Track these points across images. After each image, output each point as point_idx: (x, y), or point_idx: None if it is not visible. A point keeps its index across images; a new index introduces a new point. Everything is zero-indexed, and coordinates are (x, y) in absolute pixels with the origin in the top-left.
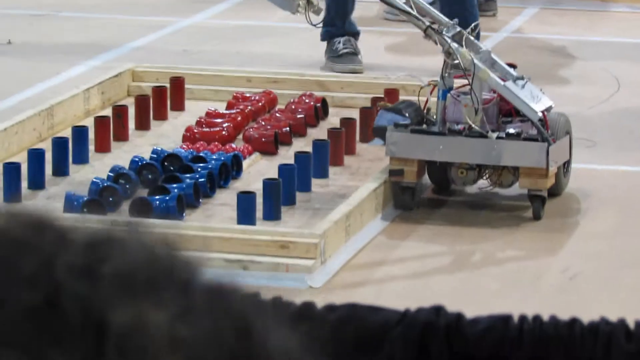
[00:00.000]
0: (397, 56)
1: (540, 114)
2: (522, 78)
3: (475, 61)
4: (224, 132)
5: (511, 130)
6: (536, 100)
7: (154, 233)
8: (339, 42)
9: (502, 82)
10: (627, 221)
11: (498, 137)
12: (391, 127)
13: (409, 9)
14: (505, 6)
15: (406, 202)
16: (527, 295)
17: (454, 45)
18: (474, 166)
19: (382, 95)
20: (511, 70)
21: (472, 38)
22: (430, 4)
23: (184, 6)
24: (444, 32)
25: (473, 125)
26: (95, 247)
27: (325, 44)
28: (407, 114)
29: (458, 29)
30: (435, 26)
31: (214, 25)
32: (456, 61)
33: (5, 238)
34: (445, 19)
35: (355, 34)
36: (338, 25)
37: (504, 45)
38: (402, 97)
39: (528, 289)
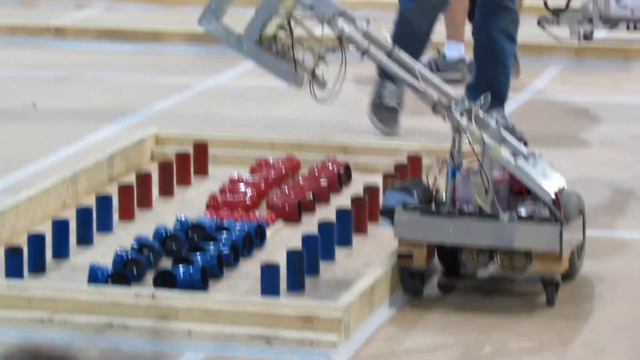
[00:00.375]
0: (415, 117)
1: (553, 196)
2: (533, 155)
3: (486, 139)
4: (247, 201)
5: (523, 213)
6: (548, 179)
7: None
8: (387, 89)
9: (513, 161)
10: None
11: (510, 220)
12: (399, 209)
13: (415, 84)
14: (527, 66)
15: (415, 288)
16: None
17: (464, 122)
18: (485, 249)
19: (405, 162)
20: (522, 147)
21: (482, 114)
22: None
23: (206, 66)
24: (452, 108)
25: (484, 207)
26: None
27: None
28: (415, 194)
29: (467, 103)
30: (444, 101)
31: (237, 86)
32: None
33: None
34: (451, 93)
35: None
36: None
37: (527, 107)
38: (424, 160)
39: None
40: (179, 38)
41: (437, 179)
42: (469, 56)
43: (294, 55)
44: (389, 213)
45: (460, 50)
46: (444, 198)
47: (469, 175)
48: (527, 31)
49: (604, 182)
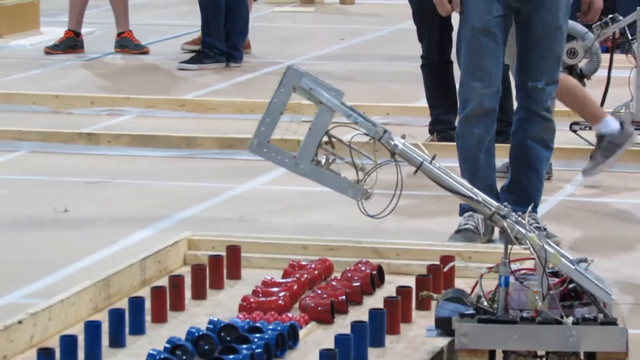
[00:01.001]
0: (445, 216)
1: (612, 296)
2: (585, 260)
3: (546, 246)
4: (280, 302)
5: (587, 315)
6: (601, 282)
7: None
8: (463, 217)
9: (572, 266)
10: None
11: (574, 323)
12: (457, 318)
13: (473, 195)
14: (559, 169)
15: None
16: None
17: (523, 231)
18: (534, 353)
19: (438, 263)
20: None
21: (526, 220)
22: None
23: (239, 171)
24: (509, 217)
25: (545, 311)
26: None
27: None
28: (468, 303)
29: (511, 211)
30: (501, 211)
31: (270, 191)
32: (525, 247)
33: None
34: (494, 202)
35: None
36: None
37: (560, 209)
38: (456, 264)
39: None
40: (211, 143)
41: (479, 285)
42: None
43: (356, 168)
44: (444, 323)
45: None
46: (489, 304)
47: (521, 281)
48: (559, 135)
49: (631, 282)
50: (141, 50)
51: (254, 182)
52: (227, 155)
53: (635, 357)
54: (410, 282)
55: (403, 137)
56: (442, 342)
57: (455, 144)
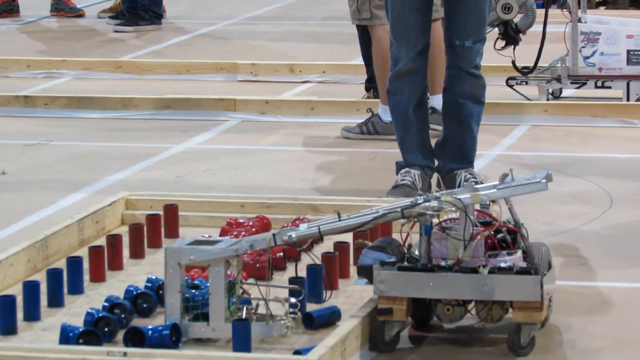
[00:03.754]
0: (382, 172)
1: (544, 181)
2: (506, 175)
3: (461, 197)
4: (255, 264)
5: (503, 264)
6: (531, 179)
7: None
8: (399, 173)
9: (495, 189)
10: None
11: (490, 272)
12: (377, 266)
13: (375, 214)
14: (496, 124)
15: (392, 341)
16: None
17: (435, 203)
18: (461, 302)
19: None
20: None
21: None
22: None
23: (174, 134)
24: (419, 206)
25: (464, 260)
26: None
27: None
28: (391, 252)
29: (427, 197)
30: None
31: (206, 151)
32: (447, 210)
33: None
34: (398, 203)
35: (425, 167)
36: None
37: (497, 163)
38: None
39: None
40: (148, 104)
41: (409, 237)
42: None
43: (267, 306)
44: (366, 271)
45: None
46: (418, 254)
47: (443, 231)
48: (496, 91)
49: (573, 235)
50: (77, 13)
51: (190, 142)
52: (164, 116)
53: (572, 307)
54: (348, 238)
55: (305, 220)
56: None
57: None
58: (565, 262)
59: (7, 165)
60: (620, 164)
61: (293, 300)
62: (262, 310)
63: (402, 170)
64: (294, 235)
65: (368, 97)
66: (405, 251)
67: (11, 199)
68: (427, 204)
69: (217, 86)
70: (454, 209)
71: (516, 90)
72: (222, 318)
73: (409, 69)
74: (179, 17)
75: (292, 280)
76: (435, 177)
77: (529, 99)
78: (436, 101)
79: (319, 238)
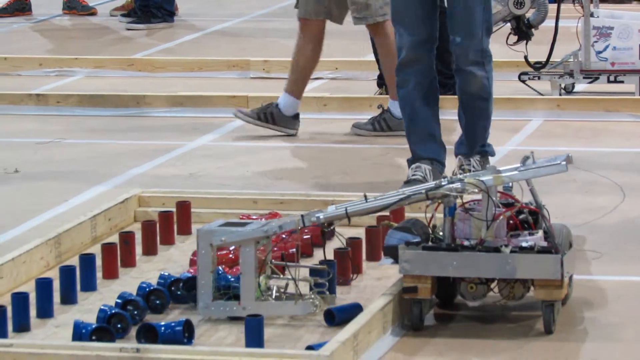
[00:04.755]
0: (393, 168)
1: (564, 163)
2: (527, 158)
3: (484, 178)
4: (230, 255)
5: (524, 244)
6: (552, 160)
7: None
8: (410, 168)
9: (517, 172)
10: (633, 335)
11: (512, 251)
12: (402, 246)
13: (401, 195)
14: (509, 119)
15: (419, 319)
16: None
17: (459, 185)
18: (484, 280)
19: (388, 214)
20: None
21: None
22: None
23: (187, 130)
24: (443, 187)
25: (486, 240)
26: None
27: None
28: (416, 232)
29: (449, 178)
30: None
31: (219, 147)
32: (472, 191)
33: None
34: (423, 186)
35: (433, 160)
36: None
37: (509, 158)
38: (407, 214)
39: None
40: (160, 102)
41: (433, 217)
42: None
43: (297, 286)
44: (392, 251)
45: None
46: (442, 234)
47: (467, 211)
48: (509, 86)
49: (586, 229)
50: (89, 11)
51: (203, 139)
52: (176, 113)
53: (588, 301)
54: (360, 233)
55: (332, 203)
56: (385, 300)
57: None
58: (579, 257)
59: (19, 164)
60: (632, 158)
61: (320, 280)
62: (291, 289)
63: (413, 166)
64: (322, 217)
65: (380, 94)
66: (430, 232)
67: (24, 197)
68: (451, 185)
69: (230, 83)
70: (476, 190)
71: (528, 86)
72: (253, 297)
73: (410, 58)
74: (191, 14)
75: (321, 262)
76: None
77: (542, 94)
78: (281, 98)
79: (346, 219)
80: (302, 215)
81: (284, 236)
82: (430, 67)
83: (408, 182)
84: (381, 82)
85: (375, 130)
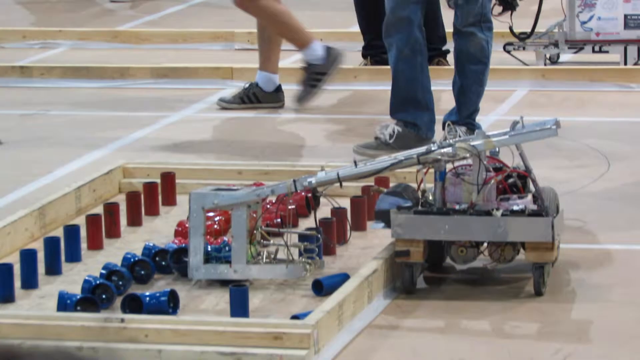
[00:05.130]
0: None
1: (554, 127)
2: (517, 123)
3: (474, 143)
4: (215, 226)
5: (515, 207)
6: (540, 125)
7: None
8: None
9: (507, 136)
10: (620, 296)
11: (503, 215)
12: (394, 210)
13: (393, 160)
14: (494, 89)
15: (411, 282)
16: None
17: (450, 150)
18: (474, 244)
19: (372, 184)
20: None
21: (459, 135)
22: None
23: (172, 102)
24: (433, 151)
25: (477, 204)
26: None
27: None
28: (407, 197)
29: (440, 142)
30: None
31: (203, 118)
32: (462, 156)
33: None
34: (414, 150)
35: (408, 123)
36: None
37: (495, 128)
38: (392, 183)
39: None
40: (145, 73)
41: (423, 182)
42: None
43: (288, 249)
44: (383, 215)
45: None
46: (433, 198)
47: (457, 176)
48: (494, 56)
49: (571, 198)
50: None
51: (187, 110)
52: (161, 85)
53: (574, 265)
54: (345, 203)
55: (322, 169)
56: (376, 264)
57: (387, 67)
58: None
59: (4, 135)
60: (617, 128)
61: (310, 246)
62: (280, 256)
63: (382, 124)
64: (313, 181)
65: (365, 64)
66: (420, 196)
67: (8, 168)
68: (442, 150)
69: (214, 55)
70: (467, 155)
71: (513, 56)
72: (244, 260)
73: (393, 21)
74: None
75: (318, 224)
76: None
77: (527, 64)
78: (259, 76)
79: (338, 184)
80: (294, 180)
81: (268, 206)
82: (414, 29)
83: (366, 142)
84: (366, 53)
85: (244, 103)
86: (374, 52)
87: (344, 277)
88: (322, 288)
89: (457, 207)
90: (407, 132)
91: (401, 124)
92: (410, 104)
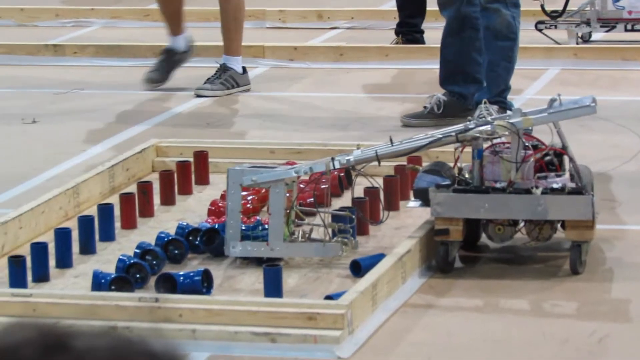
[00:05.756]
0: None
1: (594, 104)
2: (554, 100)
3: (513, 120)
4: (248, 205)
5: (555, 185)
6: (578, 102)
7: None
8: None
9: (545, 114)
10: None
11: (543, 193)
12: (433, 189)
13: (432, 138)
14: (526, 68)
15: (448, 261)
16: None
17: (489, 127)
18: (511, 222)
19: (405, 163)
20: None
21: (493, 113)
22: None
23: (203, 80)
24: (470, 129)
25: (515, 182)
26: None
27: None
28: (444, 175)
29: (475, 118)
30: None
31: (235, 97)
32: (500, 134)
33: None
34: (453, 128)
35: (456, 93)
36: None
37: (527, 107)
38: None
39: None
40: None
41: (460, 160)
42: None
43: (325, 228)
44: (422, 194)
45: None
46: (470, 176)
47: (496, 154)
48: (526, 35)
49: (603, 178)
50: None
51: None
52: (193, 63)
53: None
54: (379, 182)
55: (358, 147)
56: (410, 244)
57: (418, 46)
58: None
59: (37, 114)
60: None
61: (345, 226)
62: (315, 235)
63: (429, 95)
64: (351, 159)
65: (397, 43)
66: (456, 174)
67: (42, 148)
68: (481, 128)
69: (246, 33)
70: (506, 133)
71: (545, 34)
72: (281, 238)
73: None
74: None
75: (343, 209)
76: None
77: (558, 43)
78: (230, 59)
79: (376, 162)
80: (332, 158)
81: (302, 185)
82: (461, 4)
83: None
84: (399, 30)
85: (228, 89)
86: (406, 30)
87: (381, 258)
88: (360, 269)
89: (496, 185)
90: (453, 102)
91: (447, 94)
92: (459, 76)
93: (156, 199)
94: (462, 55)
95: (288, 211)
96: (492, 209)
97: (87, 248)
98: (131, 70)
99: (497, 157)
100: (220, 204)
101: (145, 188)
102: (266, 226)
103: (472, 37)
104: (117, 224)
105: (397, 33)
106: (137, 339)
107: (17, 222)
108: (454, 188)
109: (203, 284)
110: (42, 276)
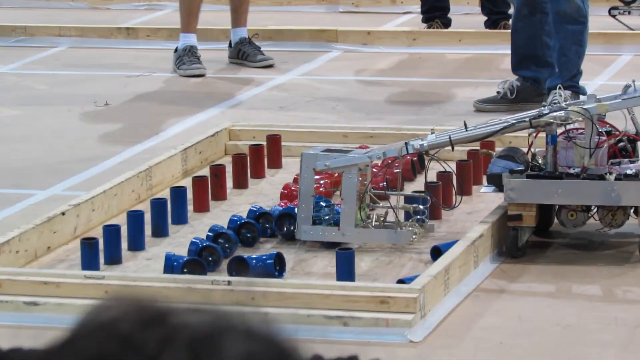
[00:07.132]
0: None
1: None
2: (629, 86)
3: (587, 106)
4: (321, 189)
5: (628, 171)
6: None
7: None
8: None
9: (619, 99)
10: None
11: (617, 179)
12: (507, 174)
13: (505, 124)
14: (599, 54)
15: (520, 246)
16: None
17: (562, 113)
18: (584, 208)
19: (478, 148)
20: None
21: (567, 99)
22: None
23: (277, 64)
24: (545, 114)
25: (589, 168)
26: (198, 347)
27: None
28: (518, 160)
29: (550, 104)
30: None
31: (308, 82)
32: (574, 120)
33: (113, 333)
34: (527, 113)
35: (528, 78)
36: None
37: (600, 93)
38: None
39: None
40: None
41: (534, 145)
42: None
43: (397, 215)
44: (495, 179)
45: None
46: (543, 162)
47: (569, 139)
48: (599, 20)
49: None
50: None
51: (293, 73)
52: (266, 47)
53: None
54: (451, 167)
55: (432, 131)
56: (483, 228)
57: (492, 31)
58: None
59: (110, 97)
60: None
61: (420, 207)
62: (390, 218)
63: (503, 80)
64: (425, 144)
65: (434, 27)
66: (530, 160)
67: (114, 130)
68: (555, 113)
69: (319, 17)
70: (580, 118)
71: (619, 20)
72: (353, 224)
73: None
74: None
75: (426, 187)
76: None
77: (632, 29)
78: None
79: (450, 147)
80: (405, 143)
81: (374, 169)
82: None
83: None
84: (432, 15)
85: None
86: (439, 14)
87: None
88: (440, 254)
89: (569, 171)
90: (527, 87)
91: (521, 80)
92: (531, 61)
93: (229, 183)
94: (533, 40)
95: (362, 196)
96: (565, 195)
97: (160, 231)
98: (204, 54)
99: (571, 143)
100: (292, 188)
101: (218, 171)
102: (338, 208)
103: (542, 21)
104: (190, 207)
105: (429, 19)
106: (236, 315)
107: (90, 204)
108: (527, 174)
109: (275, 267)
110: (114, 258)
